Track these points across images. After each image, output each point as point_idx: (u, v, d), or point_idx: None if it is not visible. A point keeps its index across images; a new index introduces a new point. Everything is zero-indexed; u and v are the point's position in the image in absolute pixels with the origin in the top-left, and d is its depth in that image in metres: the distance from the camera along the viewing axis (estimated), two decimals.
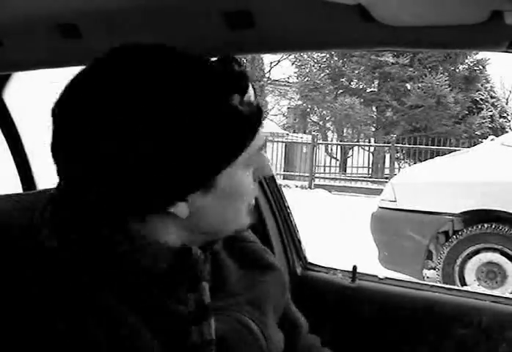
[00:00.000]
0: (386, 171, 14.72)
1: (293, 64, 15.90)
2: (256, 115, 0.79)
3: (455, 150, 8.68)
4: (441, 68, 14.69)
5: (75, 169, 0.75)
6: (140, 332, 0.73)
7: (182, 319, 0.77)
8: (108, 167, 0.72)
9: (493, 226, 4.28)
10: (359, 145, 15.78)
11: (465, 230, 4.36)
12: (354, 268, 1.50)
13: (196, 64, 0.77)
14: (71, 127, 0.74)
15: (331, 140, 16.80)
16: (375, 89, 15.54)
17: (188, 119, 0.72)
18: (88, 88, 0.74)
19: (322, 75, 15.23)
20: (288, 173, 13.88)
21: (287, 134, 15.78)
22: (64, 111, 0.75)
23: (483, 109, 15.90)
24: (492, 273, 4.36)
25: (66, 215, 0.77)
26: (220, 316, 0.81)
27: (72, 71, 0.79)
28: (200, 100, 0.73)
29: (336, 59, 15.35)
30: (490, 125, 15.73)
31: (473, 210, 4.28)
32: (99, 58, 0.77)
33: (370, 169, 15.60)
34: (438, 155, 10.29)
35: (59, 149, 0.76)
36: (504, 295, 1.46)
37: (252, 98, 0.78)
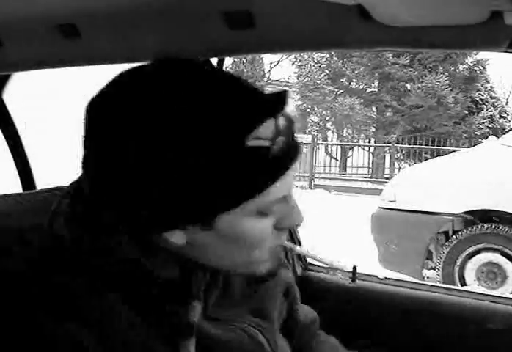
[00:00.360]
0: (386, 171, 14.72)
1: (293, 64, 15.88)
2: (280, 158, 0.69)
3: (455, 150, 8.67)
4: (441, 68, 14.67)
5: (96, 176, 0.73)
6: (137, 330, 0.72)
7: (168, 331, 0.75)
8: (117, 186, 0.70)
9: (493, 226, 4.28)
10: (359, 145, 15.77)
11: (465, 230, 4.35)
12: (354, 268, 1.50)
13: (227, 93, 0.69)
14: (99, 134, 0.72)
15: (331, 140, 16.79)
16: (375, 90, 15.53)
17: (196, 150, 0.67)
18: (119, 97, 0.72)
19: (322, 75, 15.21)
20: None
21: None
22: (94, 115, 0.73)
23: (483, 109, 15.89)
24: (492, 274, 4.36)
25: (82, 213, 0.76)
26: (224, 325, 0.80)
27: (70, 71, 0.79)
28: (215, 133, 0.67)
29: (336, 59, 15.33)
30: (490, 125, 15.71)
31: (473, 210, 4.27)
32: (139, 67, 0.74)
33: (370, 169, 15.59)
34: (438, 155, 10.30)
35: (87, 152, 0.74)
36: (504, 295, 1.46)
37: (276, 136, 0.68)
